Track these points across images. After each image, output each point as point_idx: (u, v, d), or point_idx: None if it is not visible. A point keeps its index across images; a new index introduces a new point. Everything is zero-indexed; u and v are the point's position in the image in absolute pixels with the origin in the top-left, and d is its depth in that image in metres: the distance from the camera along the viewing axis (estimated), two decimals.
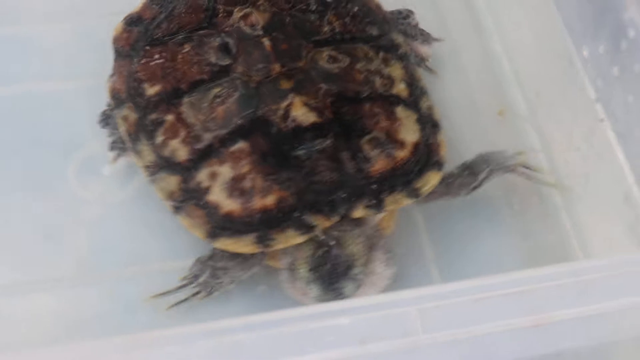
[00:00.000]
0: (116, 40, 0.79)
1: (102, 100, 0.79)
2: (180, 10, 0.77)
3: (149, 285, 0.73)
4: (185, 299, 0.72)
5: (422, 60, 0.85)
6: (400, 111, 0.72)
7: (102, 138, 0.80)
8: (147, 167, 0.73)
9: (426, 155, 0.71)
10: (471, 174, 0.74)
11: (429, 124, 0.73)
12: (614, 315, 0.55)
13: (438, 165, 0.71)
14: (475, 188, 0.74)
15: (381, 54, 0.75)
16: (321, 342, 0.51)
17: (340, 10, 0.77)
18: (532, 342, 0.55)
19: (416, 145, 0.70)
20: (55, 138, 0.81)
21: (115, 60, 0.78)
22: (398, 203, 0.69)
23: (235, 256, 0.71)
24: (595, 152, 0.72)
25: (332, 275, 0.67)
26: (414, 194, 0.69)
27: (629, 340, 0.61)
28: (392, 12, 0.84)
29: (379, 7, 0.80)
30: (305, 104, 0.69)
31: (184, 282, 0.72)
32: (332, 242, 0.68)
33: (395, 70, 0.74)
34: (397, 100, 0.72)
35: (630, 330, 0.58)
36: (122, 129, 0.75)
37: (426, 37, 0.85)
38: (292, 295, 0.70)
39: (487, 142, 0.80)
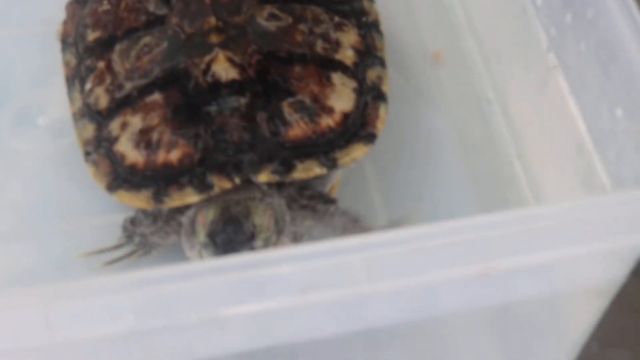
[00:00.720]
0: None
1: (36, 48, 0.78)
2: None
3: (83, 241, 0.70)
4: (120, 258, 0.70)
5: None
6: (337, 77, 0.68)
7: (38, 87, 0.78)
8: (74, 114, 0.70)
9: (358, 125, 0.67)
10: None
11: (372, 94, 0.69)
12: (563, 265, 0.54)
13: (369, 137, 0.67)
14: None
15: (336, 19, 0.71)
16: (260, 291, 0.49)
17: None
18: (479, 292, 0.54)
19: (346, 114, 0.67)
20: None
21: (69, 4, 0.76)
22: (308, 171, 0.65)
23: (153, 221, 0.68)
24: (548, 101, 0.70)
25: (229, 243, 0.62)
26: (329, 164, 0.65)
27: (579, 292, 0.60)
28: None
29: None
30: (229, 60, 0.66)
31: (120, 242, 0.70)
32: (237, 209, 0.64)
33: (348, 36, 0.71)
34: (337, 65, 0.69)
35: (580, 281, 0.57)
36: (64, 74, 0.73)
37: None
38: (189, 256, 0.66)
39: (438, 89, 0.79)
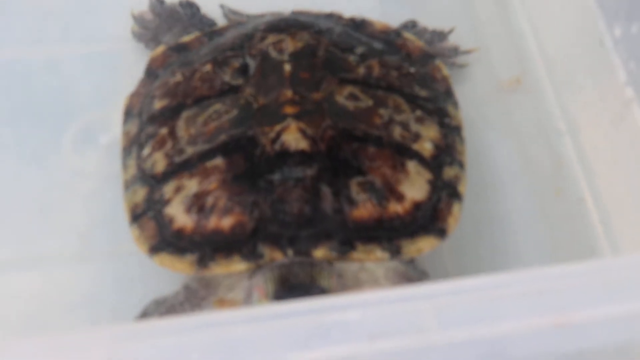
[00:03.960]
0: (152, 60, 0.75)
1: (99, 67, 0.78)
2: (225, 39, 0.74)
3: (144, 263, 0.68)
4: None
5: (454, 50, 0.80)
6: (412, 165, 0.65)
7: (101, 106, 0.77)
8: (126, 181, 0.68)
9: (429, 219, 0.64)
10: None
11: (447, 191, 0.66)
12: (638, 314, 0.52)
13: (440, 232, 0.64)
14: None
15: (418, 112, 0.68)
16: (328, 337, 0.48)
17: (389, 61, 0.71)
18: (551, 342, 0.52)
19: (417, 204, 0.63)
20: (51, 106, 0.78)
21: (142, 79, 0.74)
22: (369, 254, 0.61)
23: (188, 296, 0.65)
24: (624, 137, 0.68)
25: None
26: (393, 250, 0.62)
27: None
28: (399, 26, 0.79)
29: (445, 79, 0.73)
30: (301, 131, 0.64)
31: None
32: (299, 277, 0.61)
33: (429, 130, 0.68)
34: (413, 155, 0.66)
35: None
36: (122, 145, 0.70)
37: (440, 34, 0.80)
38: None
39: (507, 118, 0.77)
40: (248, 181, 0.63)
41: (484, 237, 0.72)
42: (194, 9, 0.82)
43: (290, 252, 0.61)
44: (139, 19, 0.81)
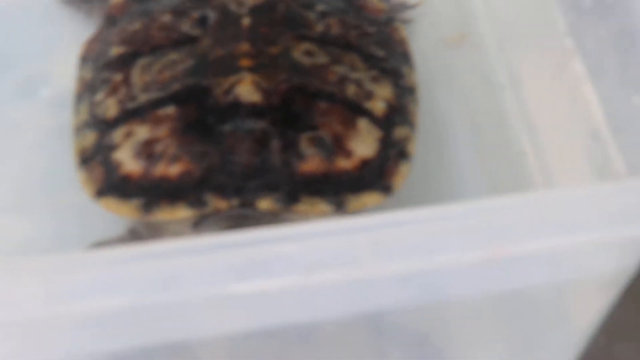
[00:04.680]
0: (112, 7, 0.74)
1: (38, 18, 0.76)
2: None
3: (83, 214, 0.68)
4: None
5: (400, 5, 0.80)
6: (363, 123, 0.65)
7: (41, 58, 0.76)
8: (76, 126, 0.67)
9: (376, 175, 0.64)
10: None
11: (396, 150, 0.66)
12: (573, 252, 0.52)
13: (385, 189, 0.64)
14: None
15: (373, 71, 0.68)
16: (266, 270, 0.48)
17: (348, 20, 0.71)
18: (486, 278, 0.52)
19: (365, 161, 0.64)
20: None
21: (100, 26, 0.73)
22: (313, 206, 0.62)
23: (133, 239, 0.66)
24: (564, 87, 0.68)
25: None
26: (337, 204, 0.62)
27: (588, 282, 0.59)
28: None
29: (402, 40, 0.73)
30: (255, 84, 0.64)
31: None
32: (245, 223, 0.62)
33: (382, 90, 0.68)
34: (365, 113, 0.66)
35: (589, 270, 0.55)
36: (75, 90, 0.69)
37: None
38: None
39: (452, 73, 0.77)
40: (199, 131, 0.63)
41: (430, 189, 0.73)
42: None
43: (235, 201, 0.61)
44: None
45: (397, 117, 0.67)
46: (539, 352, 0.65)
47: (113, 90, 0.67)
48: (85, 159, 0.65)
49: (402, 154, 0.66)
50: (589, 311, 0.61)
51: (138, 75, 0.66)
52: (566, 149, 0.70)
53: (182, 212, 0.61)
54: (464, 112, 0.76)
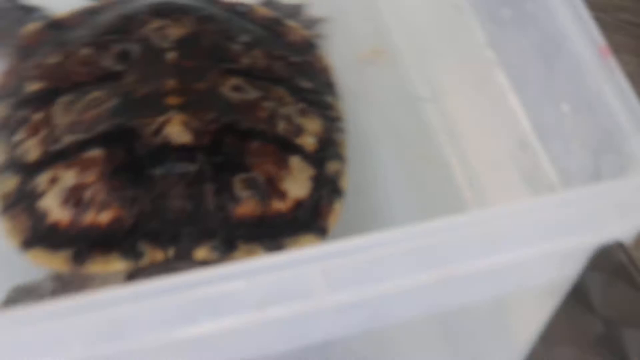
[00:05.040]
0: (24, 38, 0.71)
1: None
2: (104, 19, 0.70)
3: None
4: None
5: (310, 22, 0.79)
6: (294, 161, 0.64)
7: None
8: None
9: (310, 216, 0.63)
10: None
11: (329, 187, 0.65)
12: (514, 266, 0.52)
13: (319, 230, 0.63)
14: None
15: (301, 105, 0.67)
16: (216, 309, 0.46)
17: (273, 51, 0.70)
18: (433, 298, 0.52)
19: (299, 202, 0.63)
20: None
21: (13, 57, 0.70)
22: (252, 254, 0.60)
23: (62, 288, 0.62)
24: (487, 98, 0.69)
25: None
26: (275, 249, 0.61)
27: (531, 293, 0.59)
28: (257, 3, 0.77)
29: (326, 69, 0.73)
30: (184, 124, 0.62)
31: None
32: None
33: (311, 123, 0.67)
34: (296, 150, 0.65)
35: (531, 281, 0.56)
36: None
37: (294, 7, 0.80)
38: None
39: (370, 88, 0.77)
40: (128, 175, 0.60)
41: (359, 205, 0.72)
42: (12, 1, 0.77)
43: (171, 251, 0.59)
44: None
45: (327, 152, 0.66)
46: None
47: (33, 131, 0.64)
48: (7, 206, 0.62)
49: (335, 191, 0.65)
50: (532, 320, 0.61)
51: (60, 114, 0.64)
52: (494, 160, 0.70)
53: (117, 265, 0.59)
54: (386, 129, 0.76)
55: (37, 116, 0.64)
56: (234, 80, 0.66)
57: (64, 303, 0.45)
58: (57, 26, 0.72)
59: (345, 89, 0.74)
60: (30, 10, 0.76)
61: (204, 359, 0.49)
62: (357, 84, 0.77)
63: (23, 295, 0.62)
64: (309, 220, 0.63)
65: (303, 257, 0.48)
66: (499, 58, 0.67)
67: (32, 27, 0.72)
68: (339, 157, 0.67)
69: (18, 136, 0.64)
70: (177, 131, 0.61)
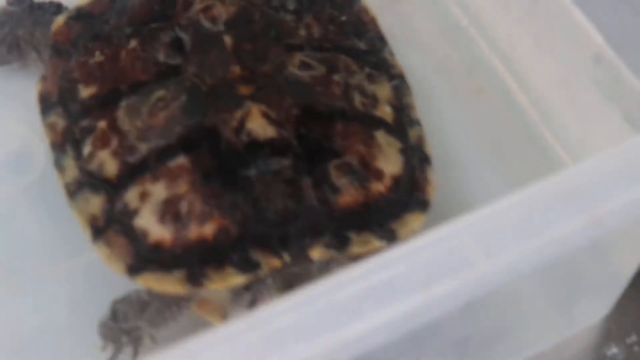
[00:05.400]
0: (55, 35, 0.66)
1: None
2: (134, 3, 0.65)
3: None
4: None
5: None
6: (380, 136, 0.60)
7: None
8: (67, 185, 0.60)
9: (409, 192, 0.60)
10: None
11: (417, 157, 0.62)
12: None
13: (422, 205, 0.60)
14: None
15: (367, 69, 0.63)
16: (382, 298, 0.44)
17: (322, 14, 0.65)
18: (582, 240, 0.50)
19: (396, 178, 0.59)
20: None
21: (50, 58, 0.65)
22: (367, 245, 0.57)
23: (141, 311, 0.59)
24: (541, 16, 0.66)
25: None
26: (389, 236, 0.57)
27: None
28: None
29: (373, 21, 0.68)
30: (264, 115, 0.58)
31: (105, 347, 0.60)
32: (303, 278, 0.56)
33: (382, 89, 0.63)
34: (378, 123, 0.61)
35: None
36: (49, 140, 0.62)
37: None
38: None
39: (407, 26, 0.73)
40: (220, 179, 0.57)
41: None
42: (26, 2, 0.72)
43: (286, 257, 0.56)
44: None
45: (404, 117, 0.63)
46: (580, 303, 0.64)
47: (103, 141, 0.60)
48: (99, 230, 0.58)
49: (424, 159, 0.62)
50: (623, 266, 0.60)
51: (127, 120, 0.60)
52: (563, 78, 0.67)
53: (235, 279, 0.56)
54: (436, 69, 0.73)
55: (102, 124, 0.60)
56: (298, 57, 0.62)
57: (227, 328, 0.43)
58: (84, 16, 0.67)
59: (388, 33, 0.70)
60: (44, 8, 0.71)
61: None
62: (394, 25, 0.72)
63: (126, 306, 0.59)
64: (409, 196, 0.60)
65: (453, 230, 0.46)
66: None
67: (60, 21, 0.67)
68: (416, 121, 0.64)
69: (87, 149, 0.60)
70: (259, 125, 0.58)
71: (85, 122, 0.61)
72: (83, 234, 0.60)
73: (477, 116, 0.72)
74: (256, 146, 0.57)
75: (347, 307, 0.43)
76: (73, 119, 0.62)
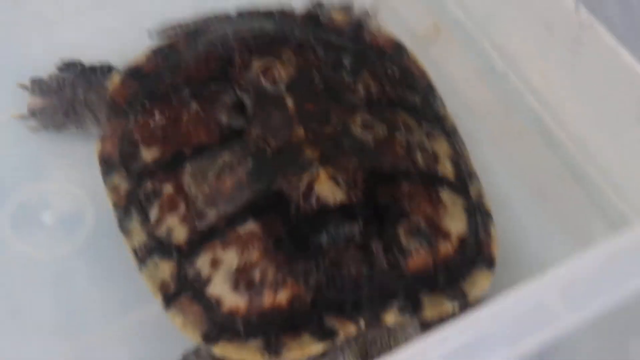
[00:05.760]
0: (112, 95, 0.66)
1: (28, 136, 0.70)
2: (188, 61, 0.65)
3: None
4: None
5: (366, 15, 0.73)
6: (445, 195, 0.60)
7: (36, 179, 0.70)
8: (135, 250, 0.60)
9: (475, 250, 0.60)
10: None
11: (479, 214, 0.62)
12: None
13: (489, 263, 0.60)
14: None
15: (424, 125, 0.64)
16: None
17: (377, 70, 0.66)
18: None
19: (463, 237, 0.59)
20: None
21: (109, 119, 0.65)
22: (439, 307, 0.57)
23: None
24: (583, 59, 0.67)
25: None
26: (460, 297, 0.58)
27: None
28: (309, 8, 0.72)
29: (424, 74, 0.69)
30: (332, 179, 0.58)
31: None
32: (378, 348, 0.57)
33: (440, 145, 0.63)
34: (442, 181, 0.61)
35: None
36: (111, 201, 0.62)
37: (344, 7, 0.74)
38: None
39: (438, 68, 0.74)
40: (292, 245, 0.57)
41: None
42: (78, 66, 0.73)
43: (362, 323, 0.56)
44: (31, 113, 0.72)
45: (463, 173, 0.64)
46: None
47: (170, 206, 0.60)
48: (170, 296, 0.58)
49: (486, 214, 0.63)
50: None
51: (193, 184, 0.60)
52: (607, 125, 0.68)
53: (313, 348, 0.56)
54: (472, 110, 0.73)
55: (168, 188, 0.60)
56: (360, 116, 0.62)
57: None
58: (138, 75, 0.67)
59: None
60: (95, 70, 0.72)
61: None
62: (429, 70, 0.71)
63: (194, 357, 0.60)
64: (476, 254, 0.60)
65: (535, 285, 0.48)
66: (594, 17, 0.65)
67: (116, 80, 0.67)
68: (474, 174, 0.64)
69: (154, 213, 0.60)
70: (328, 189, 0.58)
71: (149, 185, 0.61)
72: (136, 290, 0.61)
73: (519, 158, 0.72)
74: (326, 212, 0.57)
75: None
76: (136, 181, 0.62)
